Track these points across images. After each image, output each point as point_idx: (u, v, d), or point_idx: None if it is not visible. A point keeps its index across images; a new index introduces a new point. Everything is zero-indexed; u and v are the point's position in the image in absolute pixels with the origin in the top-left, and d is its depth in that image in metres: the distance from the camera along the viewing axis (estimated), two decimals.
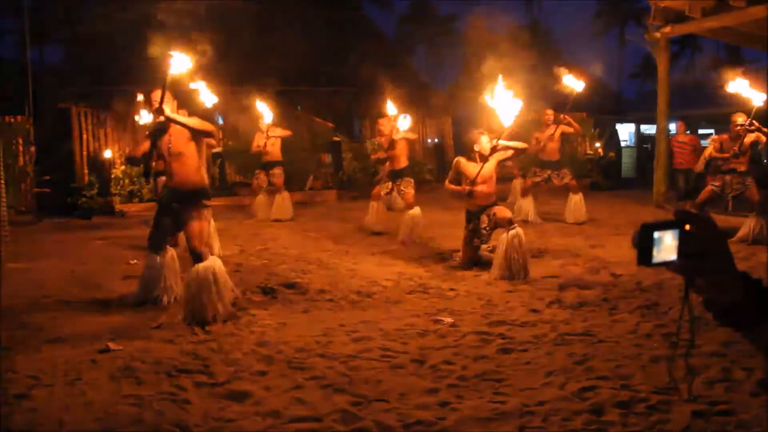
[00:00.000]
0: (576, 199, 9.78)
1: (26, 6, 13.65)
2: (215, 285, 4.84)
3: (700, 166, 9.36)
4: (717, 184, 8.19)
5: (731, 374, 3.53)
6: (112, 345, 4.21)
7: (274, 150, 10.67)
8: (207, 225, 5.25)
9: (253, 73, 10.39)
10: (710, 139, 9.10)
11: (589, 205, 9.94)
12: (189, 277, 4.89)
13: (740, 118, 8.00)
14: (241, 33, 15.82)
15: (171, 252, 5.45)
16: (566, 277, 6.20)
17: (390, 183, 9.00)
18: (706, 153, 8.65)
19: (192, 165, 5.15)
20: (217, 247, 7.10)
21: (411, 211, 8.48)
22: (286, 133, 10.79)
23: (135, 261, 7.16)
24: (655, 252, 1.01)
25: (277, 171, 10.73)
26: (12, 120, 12.14)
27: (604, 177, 16.25)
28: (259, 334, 4.52)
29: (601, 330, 4.49)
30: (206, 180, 5.36)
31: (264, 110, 10.35)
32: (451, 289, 5.80)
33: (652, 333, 4.37)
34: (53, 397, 3.39)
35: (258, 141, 10.56)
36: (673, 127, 13.70)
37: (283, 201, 10.79)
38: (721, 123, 8.50)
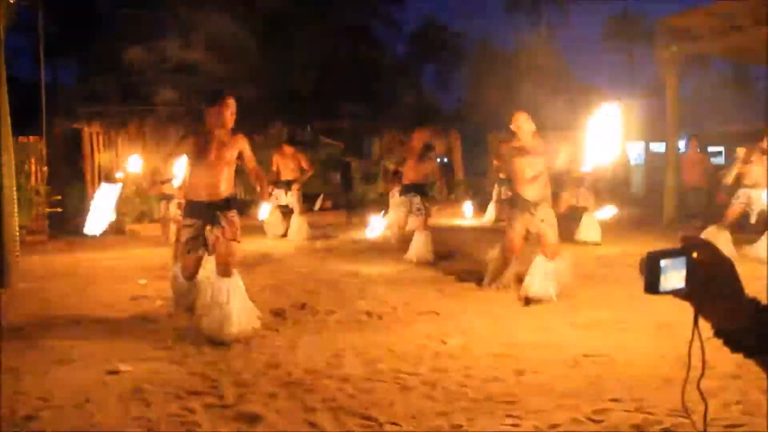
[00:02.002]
0: (588, 219, 9.74)
1: (40, 25, 13.77)
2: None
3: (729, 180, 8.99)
4: (743, 201, 8.06)
5: (748, 396, 3.47)
6: (121, 366, 4.19)
7: (288, 169, 10.69)
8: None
9: (261, 94, 10.51)
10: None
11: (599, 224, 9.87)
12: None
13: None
14: (249, 54, 15.96)
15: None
16: (578, 296, 6.15)
17: (400, 194, 8.80)
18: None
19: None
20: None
21: (419, 233, 8.33)
22: (306, 168, 10.77)
23: (145, 281, 7.17)
24: (662, 280, 1.01)
25: (292, 189, 10.70)
26: (25, 140, 12.24)
27: (613, 196, 16.15)
28: (269, 355, 4.50)
29: (613, 351, 4.44)
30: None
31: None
32: (463, 311, 5.76)
33: (665, 354, 4.31)
34: (62, 419, 3.37)
35: (276, 163, 10.66)
36: (682, 144, 13.65)
37: (299, 222, 10.75)
38: (731, 141, 8.37)
